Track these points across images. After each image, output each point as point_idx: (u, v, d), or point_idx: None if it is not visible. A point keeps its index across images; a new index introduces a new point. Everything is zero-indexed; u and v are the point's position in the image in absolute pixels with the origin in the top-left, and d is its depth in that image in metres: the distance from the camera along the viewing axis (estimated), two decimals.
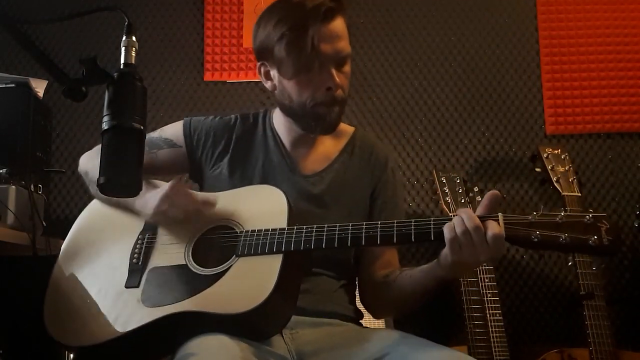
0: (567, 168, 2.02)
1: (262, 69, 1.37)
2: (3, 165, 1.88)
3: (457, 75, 2.62)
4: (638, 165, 2.53)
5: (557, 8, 2.63)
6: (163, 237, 1.29)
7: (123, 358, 1.23)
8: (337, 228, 1.15)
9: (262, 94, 2.61)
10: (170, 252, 1.25)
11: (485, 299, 1.98)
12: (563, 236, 1.03)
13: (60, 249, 1.38)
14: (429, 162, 2.56)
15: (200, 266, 1.20)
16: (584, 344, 1.86)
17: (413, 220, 1.13)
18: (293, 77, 1.28)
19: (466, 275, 1.98)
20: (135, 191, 0.94)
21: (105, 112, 0.94)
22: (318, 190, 1.35)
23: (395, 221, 1.14)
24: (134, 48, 0.97)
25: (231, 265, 1.17)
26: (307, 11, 1.23)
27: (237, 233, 1.22)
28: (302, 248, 1.15)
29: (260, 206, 1.25)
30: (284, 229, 1.17)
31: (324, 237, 1.15)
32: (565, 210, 1.06)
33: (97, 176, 1.07)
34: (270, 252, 1.15)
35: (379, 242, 1.14)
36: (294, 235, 1.16)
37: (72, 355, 1.37)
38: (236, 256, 1.18)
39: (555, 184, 2.00)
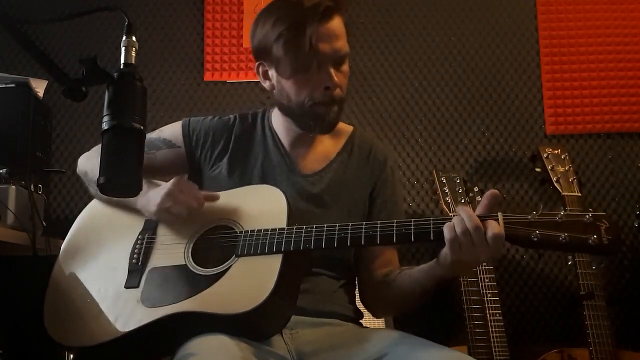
0: (567, 168, 2.02)
1: (260, 69, 1.37)
2: (3, 165, 1.88)
3: (457, 75, 2.62)
4: (638, 165, 2.53)
5: (557, 8, 2.63)
6: (162, 237, 1.29)
7: (123, 358, 1.23)
8: (337, 228, 1.15)
9: (262, 94, 2.61)
10: (169, 252, 1.25)
11: (485, 299, 1.98)
12: (563, 235, 1.03)
13: (60, 249, 1.38)
14: (429, 162, 2.56)
15: (200, 266, 1.20)
16: (584, 344, 1.86)
17: (413, 220, 1.13)
18: (291, 76, 1.28)
19: (466, 275, 1.98)
20: (135, 191, 0.94)
21: (105, 112, 0.94)
22: (317, 189, 1.35)
23: (395, 221, 1.14)
24: (134, 48, 0.97)
25: (231, 266, 1.17)
26: (305, 10, 1.23)
27: (237, 233, 1.22)
28: (301, 248, 1.15)
29: (260, 206, 1.25)
30: (283, 229, 1.17)
31: (324, 237, 1.15)
32: (565, 210, 1.06)
33: (97, 176, 1.07)
34: (270, 252, 1.15)
35: (378, 242, 1.14)
36: (293, 235, 1.16)
37: (72, 356, 1.37)
38: (236, 256, 1.18)
39: (555, 184, 2.00)
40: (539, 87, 2.59)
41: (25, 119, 1.99)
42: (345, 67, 1.32)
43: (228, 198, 1.30)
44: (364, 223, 1.15)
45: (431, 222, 1.11)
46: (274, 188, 1.26)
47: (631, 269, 2.43)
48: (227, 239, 1.22)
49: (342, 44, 1.28)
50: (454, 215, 1.09)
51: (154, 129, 1.48)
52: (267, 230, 1.18)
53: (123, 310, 1.19)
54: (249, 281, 1.13)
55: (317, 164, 1.39)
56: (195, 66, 2.66)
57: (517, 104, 2.59)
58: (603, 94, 2.56)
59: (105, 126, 0.93)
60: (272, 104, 1.44)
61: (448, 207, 2.05)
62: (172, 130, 1.45)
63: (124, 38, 0.97)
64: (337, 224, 1.16)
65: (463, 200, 2.06)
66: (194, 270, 1.20)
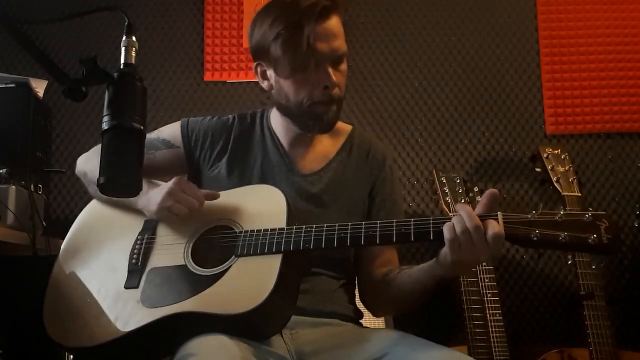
0: (567, 168, 2.02)
1: (259, 69, 1.37)
2: (3, 165, 1.88)
3: (457, 75, 2.62)
4: (638, 165, 2.53)
5: (557, 8, 2.63)
6: (162, 237, 1.29)
7: (122, 359, 1.23)
8: (336, 228, 1.15)
9: (262, 94, 2.61)
10: (169, 253, 1.25)
11: (485, 299, 1.98)
12: (562, 235, 1.03)
13: (60, 249, 1.38)
14: (429, 162, 2.56)
15: (200, 266, 1.20)
16: (584, 344, 1.86)
17: (412, 219, 1.13)
18: (289, 76, 1.28)
19: (466, 275, 1.98)
20: (135, 191, 0.94)
21: (105, 112, 0.94)
22: (316, 189, 1.35)
23: (395, 221, 1.14)
24: (134, 48, 0.97)
25: (230, 266, 1.17)
26: (302, 10, 1.23)
27: (236, 233, 1.22)
28: (301, 248, 1.15)
29: (259, 206, 1.25)
30: (283, 229, 1.17)
31: (323, 237, 1.15)
32: (565, 209, 1.06)
33: (95, 177, 1.07)
34: (270, 252, 1.15)
35: (378, 242, 1.14)
36: (293, 235, 1.16)
37: (71, 356, 1.37)
38: (235, 256, 1.18)
39: (555, 184, 2.00)
40: (539, 87, 2.59)
41: (25, 119, 1.99)
42: (344, 66, 1.32)
43: (227, 198, 1.30)
44: (363, 223, 1.15)
45: (431, 221, 1.11)
46: (273, 188, 1.26)
47: (631, 269, 2.43)
48: (226, 239, 1.22)
49: (339, 43, 1.28)
50: (453, 215, 1.09)
51: (154, 129, 1.48)
52: (267, 230, 1.18)
53: (123, 310, 1.18)
54: (249, 281, 1.13)
55: (316, 163, 1.39)
56: (195, 66, 2.66)
57: (517, 104, 2.59)
58: (603, 94, 2.56)
59: (105, 126, 0.93)
60: (271, 104, 1.44)
61: (448, 207, 2.05)
62: (171, 131, 1.45)
63: (124, 38, 0.97)
64: (337, 224, 1.16)
65: (463, 200, 2.06)
66: (194, 271, 1.20)
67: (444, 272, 1.15)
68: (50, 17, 2.59)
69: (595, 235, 1.02)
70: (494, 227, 1.04)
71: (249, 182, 1.35)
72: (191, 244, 1.25)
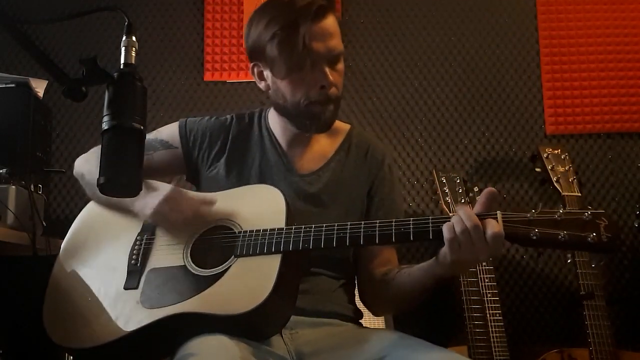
0: (567, 168, 2.02)
1: (255, 70, 1.36)
2: (3, 165, 1.88)
3: (457, 75, 2.62)
4: (638, 165, 2.53)
5: (557, 8, 2.63)
6: (161, 237, 1.29)
7: (122, 359, 1.23)
8: (336, 227, 1.15)
9: (261, 94, 2.61)
10: (168, 253, 1.25)
11: (485, 299, 1.98)
12: (562, 233, 1.03)
13: (60, 249, 1.38)
14: (429, 162, 2.56)
15: (199, 267, 1.20)
16: (584, 344, 1.86)
17: (411, 219, 1.13)
18: (286, 76, 1.28)
19: (466, 275, 1.98)
20: (135, 191, 0.94)
21: (105, 112, 0.94)
22: (315, 189, 1.35)
23: (394, 220, 1.14)
24: (134, 48, 0.97)
25: (230, 266, 1.17)
26: (298, 10, 1.23)
27: (236, 233, 1.21)
28: (300, 248, 1.15)
29: (259, 206, 1.25)
30: (282, 229, 1.17)
31: (323, 237, 1.15)
32: (565, 208, 1.06)
33: (94, 178, 1.06)
34: (269, 252, 1.15)
35: (377, 242, 1.13)
36: (292, 235, 1.16)
37: (71, 357, 1.36)
38: (235, 256, 1.18)
39: (555, 184, 2.00)
40: (539, 87, 2.59)
41: (25, 119, 1.99)
42: (340, 66, 1.31)
43: (226, 198, 1.30)
44: (362, 222, 1.15)
45: (430, 221, 1.11)
46: (272, 188, 1.26)
47: (631, 269, 2.43)
48: (226, 240, 1.22)
49: (336, 43, 1.27)
50: (453, 215, 1.09)
51: (154, 129, 1.48)
52: (266, 230, 1.18)
53: (122, 311, 1.18)
54: (248, 281, 1.13)
55: (315, 163, 1.39)
56: (195, 66, 2.66)
57: (517, 104, 2.59)
58: (603, 94, 2.56)
59: (105, 126, 0.93)
60: (269, 104, 1.44)
61: (448, 207, 2.05)
62: (169, 131, 1.45)
63: (124, 38, 0.97)
64: (336, 224, 1.16)
65: (463, 200, 2.06)
66: (193, 271, 1.19)
67: (444, 272, 1.15)
68: (50, 17, 2.59)
69: (594, 234, 1.02)
70: (494, 226, 1.04)
71: (247, 182, 1.35)
72: (190, 245, 1.24)
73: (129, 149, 0.93)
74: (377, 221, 1.15)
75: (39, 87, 2.07)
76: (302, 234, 1.15)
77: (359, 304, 1.40)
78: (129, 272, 1.25)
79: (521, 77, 2.61)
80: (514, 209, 1.08)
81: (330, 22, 1.26)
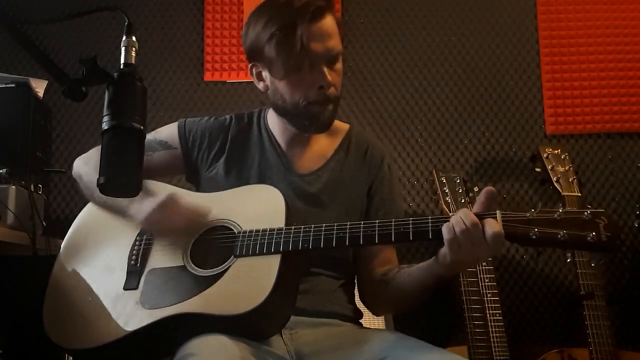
0: (567, 168, 2.02)
1: (254, 70, 1.36)
2: (3, 165, 1.88)
3: (457, 75, 2.62)
4: (638, 165, 2.53)
5: (557, 8, 2.63)
6: (161, 238, 1.29)
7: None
8: (335, 227, 1.15)
9: (261, 94, 2.53)
10: (168, 254, 1.25)
11: (485, 299, 1.98)
12: (561, 233, 1.03)
13: (60, 249, 1.38)
14: (429, 162, 2.56)
15: (199, 267, 1.20)
16: (584, 344, 1.86)
17: (411, 219, 1.13)
18: (284, 77, 1.28)
19: (466, 275, 1.98)
20: (135, 191, 0.94)
21: (105, 112, 0.94)
22: (314, 189, 1.35)
23: (394, 220, 1.14)
24: (134, 48, 0.97)
25: (230, 266, 1.17)
26: (295, 10, 1.22)
27: (235, 233, 1.21)
28: (300, 248, 1.15)
29: (258, 206, 1.25)
30: (281, 229, 1.17)
31: (322, 237, 1.15)
32: (564, 207, 1.06)
33: (91, 180, 1.06)
34: (269, 253, 1.15)
35: (377, 241, 1.14)
36: (292, 235, 1.16)
37: (71, 358, 1.37)
38: (234, 257, 1.18)
39: (555, 184, 2.00)
40: (539, 87, 2.59)
41: (25, 119, 1.99)
42: (339, 66, 1.31)
43: (226, 198, 1.30)
44: (362, 222, 1.15)
45: (429, 221, 1.11)
46: (271, 188, 1.26)
47: (631, 269, 2.43)
48: (225, 240, 1.22)
49: (334, 43, 1.27)
50: (452, 215, 1.09)
51: (154, 129, 1.48)
52: (265, 230, 1.18)
53: (122, 312, 1.18)
54: (248, 282, 1.13)
55: (314, 163, 1.39)
56: (195, 66, 2.66)
57: (517, 104, 2.59)
58: (603, 94, 2.56)
59: (105, 126, 0.93)
60: (268, 104, 1.44)
61: (448, 207, 2.05)
62: (168, 132, 1.45)
63: (124, 38, 0.97)
64: (336, 224, 1.16)
65: (463, 200, 2.06)
66: (193, 271, 1.19)
67: (444, 271, 1.15)
68: (50, 17, 2.59)
69: (594, 233, 1.02)
70: (493, 226, 1.04)
71: (246, 183, 1.34)
72: (190, 245, 1.24)
73: (129, 149, 0.93)
74: (377, 221, 1.15)
75: (39, 87, 2.07)
76: (301, 234, 1.15)
77: (359, 304, 1.40)
78: (128, 273, 1.25)
79: (521, 77, 2.61)
80: (513, 209, 1.08)
81: (328, 22, 1.26)
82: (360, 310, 1.38)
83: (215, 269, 1.17)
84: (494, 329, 1.94)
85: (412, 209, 2.52)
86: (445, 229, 1.07)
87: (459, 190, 2.08)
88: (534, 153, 2.14)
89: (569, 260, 1.93)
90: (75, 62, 2.55)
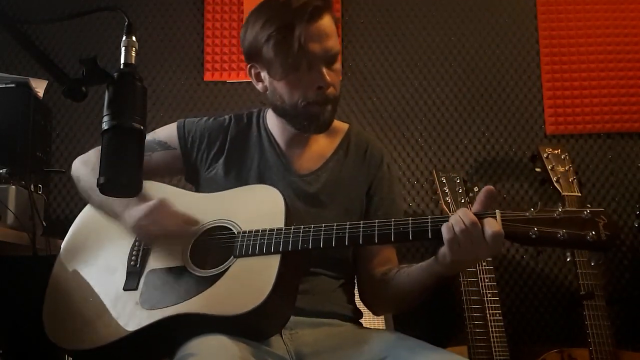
0: (567, 168, 2.02)
1: (253, 71, 1.36)
2: (3, 165, 1.88)
3: (457, 75, 2.62)
4: (638, 165, 2.53)
5: (557, 8, 2.63)
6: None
7: None
8: (335, 227, 1.15)
9: (261, 94, 2.59)
10: (167, 254, 1.25)
11: (485, 299, 1.98)
12: (561, 232, 1.03)
13: (60, 249, 1.38)
14: (429, 162, 2.56)
15: (199, 267, 1.20)
16: (584, 344, 1.86)
17: (410, 218, 1.13)
18: (283, 77, 1.28)
19: (466, 275, 1.98)
20: (135, 191, 0.94)
21: (105, 112, 0.94)
22: (314, 189, 1.35)
23: (393, 220, 1.14)
24: (134, 48, 0.97)
25: (229, 267, 1.17)
26: (293, 11, 1.22)
27: (235, 234, 1.21)
28: (299, 248, 1.15)
29: (258, 206, 1.24)
30: (281, 229, 1.17)
31: (322, 237, 1.15)
32: (564, 206, 1.06)
33: (88, 182, 1.06)
34: (268, 253, 1.15)
35: (376, 241, 1.14)
36: (291, 235, 1.16)
37: (71, 358, 1.37)
38: (234, 257, 1.18)
39: (555, 184, 2.00)
40: (539, 87, 2.59)
41: (25, 119, 1.98)
42: (338, 66, 1.31)
43: (225, 198, 1.30)
44: (361, 222, 1.15)
45: (429, 220, 1.11)
46: (271, 188, 1.26)
47: (631, 269, 2.43)
48: (225, 240, 1.22)
49: (332, 43, 1.27)
50: (452, 215, 1.09)
51: (154, 129, 1.48)
52: (265, 230, 1.18)
53: (122, 312, 1.18)
54: (248, 282, 1.13)
55: (313, 163, 1.39)
56: (195, 66, 2.66)
57: (517, 104, 2.59)
58: (603, 94, 2.56)
59: (105, 126, 0.93)
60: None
61: (448, 207, 2.05)
62: (167, 132, 1.45)
63: (124, 38, 0.97)
64: (335, 224, 1.16)
65: (463, 200, 2.06)
66: (193, 272, 1.19)
67: (444, 271, 1.15)
68: (50, 17, 2.59)
69: (593, 232, 1.02)
70: (493, 225, 1.04)
71: (246, 183, 1.34)
72: (190, 245, 1.24)
73: (129, 149, 0.93)
74: (376, 221, 1.15)
75: (39, 87, 2.07)
76: (301, 234, 1.15)
77: (359, 304, 1.40)
78: (128, 273, 1.25)
79: (521, 77, 2.61)
80: (513, 209, 1.08)
81: (326, 22, 1.26)
82: (360, 310, 1.38)
83: (215, 269, 1.17)
84: (494, 329, 1.94)
85: (412, 209, 2.52)
86: (444, 229, 1.07)
87: (459, 190, 2.08)
88: (534, 153, 2.15)
89: (568, 260, 1.93)
90: (75, 62, 2.55)
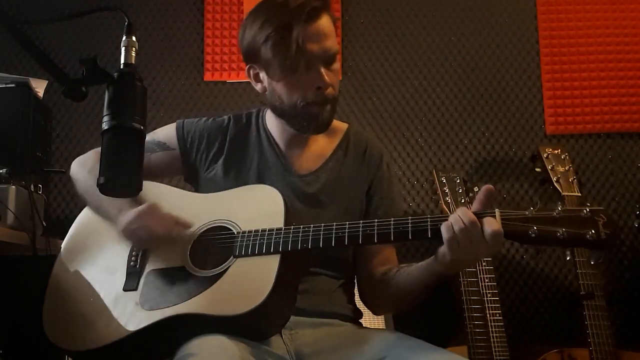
0: (567, 168, 2.02)
1: (251, 72, 1.36)
2: (3, 165, 1.88)
3: (457, 75, 2.62)
4: (638, 165, 2.53)
5: (557, 8, 2.62)
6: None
7: None
8: (334, 227, 1.15)
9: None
10: (167, 254, 1.25)
11: (485, 299, 1.98)
12: (561, 231, 1.03)
13: (60, 249, 1.38)
14: (429, 162, 2.56)
15: (198, 268, 1.20)
16: (584, 344, 1.86)
17: (410, 218, 1.13)
18: (281, 78, 1.27)
19: (466, 275, 1.98)
20: (135, 191, 0.94)
21: (105, 112, 0.94)
22: (313, 189, 1.35)
23: (392, 219, 1.14)
24: (134, 48, 0.97)
25: (229, 267, 1.17)
26: (291, 11, 1.22)
27: (234, 234, 1.21)
28: (299, 248, 1.15)
29: (257, 206, 1.24)
30: (280, 229, 1.17)
31: (321, 236, 1.15)
32: (564, 205, 1.06)
33: (86, 184, 1.06)
34: (268, 253, 1.15)
35: (376, 241, 1.14)
36: (291, 235, 1.16)
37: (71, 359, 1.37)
38: (234, 257, 1.18)
39: (555, 184, 2.00)
40: (539, 87, 2.59)
41: (25, 119, 1.98)
42: (336, 66, 1.31)
43: (225, 199, 1.30)
44: (361, 222, 1.15)
45: (428, 219, 1.11)
46: (270, 188, 1.26)
47: (631, 269, 2.43)
48: (224, 240, 1.22)
49: (331, 43, 1.27)
50: (451, 214, 1.09)
51: (154, 129, 1.47)
52: (265, 230, 1.18)
53: (122, 313, 1.19)
54: (248, 282, 1.13)
55: (313, 163, 1.39)
56: (195, 66, 2.66)
57: (517, 104, 2.59)
58: (603, 94, 2.56)
59: (105, 126, 0.93)
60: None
61: (448, 207, 2.05)
62: (166, 133, 1.45)
63: (124, 38, 0.97)
64: (335, 223, 1.16)
65: (463, 200, 2.06)
66: (192, 272, 1.19)
67: (443, 270, 1.15)
68: (50, 17, 2.59)
69: (593, 231, 1.02)
70: (492, 224, 1.04)
71: (245, 183, 1.34)
72: (189, 246, 1.24)
73: (129, 149, 0.93)
74: (376, 220, 1.15)
75: (39, 87, 2.07)
76: (300, 234, 1.15)
77: (359, 304, 1.40)
78: (128, 274, 1.25)
79: (521, 77, 2.61)
80: (513, 208, 1.08)
81: (324, 22, 1.26)
82: (360, 310, 1.38)
83: (214, 269, 1.17)
84: (494, 329, 1.94)
85: (412, 209, 2.52)
86: (444, 228, 1.07)
87: (459, 190, 2.08)
88: (534, 153, 2.15)
89: (568, 259, 1.93)
90: (75, 62, 2.55)
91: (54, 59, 2.48)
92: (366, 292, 1.39)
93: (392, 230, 1.12)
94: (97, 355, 1.17)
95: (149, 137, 1.43)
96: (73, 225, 1.42)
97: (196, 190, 1.43)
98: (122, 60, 0.96)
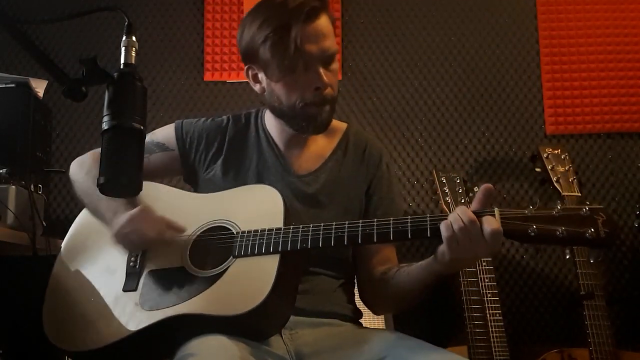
0: (567, 168, 2.02)
1: (250, 72, 1.36)
2: (3, 165, 1.88)
3: (457, 75, 2.62)
4: (638, 165, 2.53)
5: (557, 8, 2.63)
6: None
7: None
8: (334, 226, 1.15)
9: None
10: (167, 255, 1.25)
11: (485, 299, 1.98)
12: (560, 229, 1.03)
13: (60, 250, 1.38)
14: (429, 162, 2.56)
15: (198, 268, 1.20)
16: (584, 344, 1.86)
17: (409, 217, 1.13)
18: (280, 79, 1.27)
19: (466, 275, 1.98)
20: (135, 191, 0.94)
21: (105, 112, 0.94)
22: (312, 189, 1.35)
23: (392, 218, 1.14)
24: (134, 48, 0.97)
25: (228, 267, 1.17)
26: (289, 12, 1.22)
27: (234, 234, 1.21)
28: (298, 247, 1.14)
29: (257, 206, 1.24)
30: (280, 229, 1.17)
31: (321, 236, 1.15)
32: (563, 204, 1.06)
33: (84, 186, 1.05)
34: (267, 253, 1.15)
35: (375, 240, 1.14)
36: (290, 235, 1.16)
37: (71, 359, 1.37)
38: (233, 257, 1.18)
39: (555, 184, 2.00)
40: (539, 87, 2.59)
41: (25, 119, 1.98)
42: (335, 66, 1.30)
43: (224, 199, 1.30)
44: (360, 221, 1.15)
45: (428, 219, 1.11)
46: (270, 188, 1.26)
47: (631, 269, 2.43)
48: (224, 240, 1.22)
49: (329, 44, 1.26)
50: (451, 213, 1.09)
51: (154, 129, 1.47)
52: (264, 230, 1.18)
53: (122, 313, 1.19)
54: (247, 282, 1.13)
55: (312, 163, 1.39)
56: (195, 66, 2.66)
57: (517, 104, 2.59)
58: (603, 94, 2.56)
59: (105, 126, 0.93)
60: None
61: (448, 207, 2.05)
62: (165, 133, 1.44)
63: (124, 38, 0.97)
64: (334, 223, 1.16)
65: (463, 200, 2.06)
66: (192, 272, 1.19)
67: (443, 269, 1.15)
68: (50, 17, 2.59)
69: (592, 230, 1.02)
70: (492, 223, 1.04)
71: (244, 184, 1.34)
72: (189, 246, 1.24)
73: (129, 149, 0.93)
74: (375, 220, 1.15)
75: (39, 87, 2.07)
76: (300, 234, 1.15)
77: (359, 304, 1.40)
78: (127, 274, 1.25)
79: (521, 77, 2.61)
80: (512, 207, 1.08)
81: (322, 22, 1.25)
82: (360, 310, 1.38)
83: (214, 269, 1.17)
84: (494, 329, 1.94)
85: (412, 209, 2.52)
86: (443, 227, 1.07)
87: (459, 190, 2.08)
88: (534, 153, 2.14)
89: (567, 257, 1.93)
90: (75, 62, 2.55)
91: (54, 59, 2.49)
92: (366, 291, 1.39)
93: (391, 229, 1.12)
94: (97, 356, 1.17)
95: (147, 137, 1.42)
96: (73, 225, 1.42)
97: (195, 191, 1.43)
98: (122, 60, 0.96)
